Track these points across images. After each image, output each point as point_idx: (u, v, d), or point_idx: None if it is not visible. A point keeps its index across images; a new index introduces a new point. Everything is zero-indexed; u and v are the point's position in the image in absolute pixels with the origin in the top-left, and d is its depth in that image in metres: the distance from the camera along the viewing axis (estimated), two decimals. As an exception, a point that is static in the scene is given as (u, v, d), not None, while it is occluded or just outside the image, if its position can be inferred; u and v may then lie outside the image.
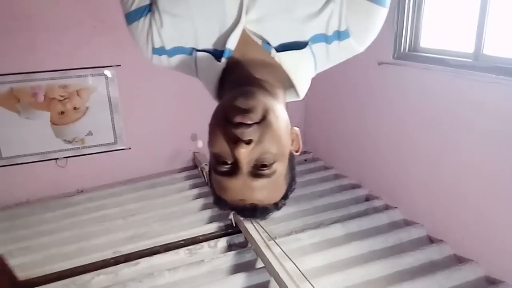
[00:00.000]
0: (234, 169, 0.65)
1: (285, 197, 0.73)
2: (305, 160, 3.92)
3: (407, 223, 2.85)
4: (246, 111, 0.63)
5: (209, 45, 0.77)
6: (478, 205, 2.39)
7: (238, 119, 0.62)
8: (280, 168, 0.68)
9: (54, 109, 3.37)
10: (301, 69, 0.77)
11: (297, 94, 0.81)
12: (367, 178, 3.30)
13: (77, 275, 2.35)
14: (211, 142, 0.67)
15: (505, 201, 2.23)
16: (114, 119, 3.55)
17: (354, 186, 3.35)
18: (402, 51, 2.85)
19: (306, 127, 4.08)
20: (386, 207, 3.05)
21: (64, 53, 3.27)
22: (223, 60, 0.75)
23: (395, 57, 2.87)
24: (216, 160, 0.67)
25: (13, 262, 2.44)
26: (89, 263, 2.46)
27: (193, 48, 0.78)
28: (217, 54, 0.76)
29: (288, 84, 0.78)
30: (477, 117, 2.33)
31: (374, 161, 3.21)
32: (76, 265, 2.44)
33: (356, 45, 0.75)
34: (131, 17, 0.79)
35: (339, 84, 3.44)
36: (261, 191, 0.66)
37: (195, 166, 3.82)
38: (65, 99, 3.38)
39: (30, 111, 3.31)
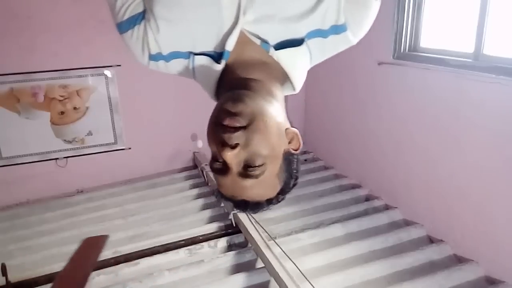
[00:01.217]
0: (225, 168, 0.69)
1: (282, 193, 0.75)
2: (305, 160, 3.92)
3: (407, 223, 2.86)
4: (234, 114, 0.66)
5: (206, 48, 0.78)
6: (478, 205, 2.39)
7: (226, 121, 0.66)
8: (271, 168, 0.70)
9: (54, 109, 3.37)
10: (298, 65, 0.79)
11: (293, 88, 0.83)
12: (367, 178, 3.30)
13: (77, 275, 2.35)
14: (208, 142, 0.71)
15: (505, 201, 2.23)
16: (114, 119, 3.55)
17: (354, 186, 3.35)
18: (402, 51, 2.85)
19: (306, 127, 4.08)
20: (386, 207, 3.05)
21: (64, 53, 3.27)
22: (223, 62, 0.76)
23: (395, 57, 2.87)
24: (212, 157, 0.71)
25: (13, 262, 2.45)
26: (89, 263, 2.46)
27: (190, 52, 0.79)
28: (215, 56, 0.77)
29: (284, 79, 0.80)
30: (477, 117, 2.33)
31: (374, 161, 3.21)
32: (76, 265, 2.44)
33: (352, 38, 0.77)
34: (125, 26, 0.80)
35: (339, 84, 3.44)
36: (250, 190, 0.70)
37: (195, 166, 3.82)
38: (65, 99, 3.38)
39: (30, 111, 3.31)
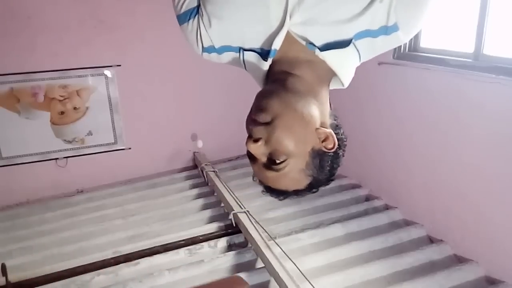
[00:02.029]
0: (253, 157, 0.75)
1: (312, 187, 0.78)
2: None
3: (407, 223, 2.86)
4: (259, 110, 0.72)
5: (255, 45, 0.82)
6: (478, 205, 2.39)
7: (253, 116, 0.73)
8: (294, 164, 0.73)
9: (54, 109, 3.37)
10: (346, 63, 0.80)
11: (342, 84, 0.84)
12: (367, 178, 3.30)
13: (77, 275, 2.35)
14: None
15: (505, 201, 2.23)
16: (114, 119, 3.55)
17: (354, 186, 3.35)
18: (402, 51, 2.85)
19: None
20: (386, 207, 3.05)
21: (64, 53, 3.27)
22: (269, 60, 0.79)
23: (395, 57, 2.87)
24: None
25: (13, 262, 2.45)
26: (89, 263, 2.46)
27: (240, 48, 0.83)
28: (263, 53, 0.81)
29: (331, 75, 0.81)
30: (477, 117, 2.33)
31: (374, 161, 3.21)
32: (76, 265, 2.44)
33: (403, 37, 0.76)
34: (181, 18, 0.86)
35: (339, 84, 3.43)
36: (272, 181, 0.76)
37: (195, 166, 3.82)
38: (65, 99, 3.38)
39: (30, 111, 3.31)
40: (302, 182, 0.77)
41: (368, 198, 3.20)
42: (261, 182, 0.79)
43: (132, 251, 2.56)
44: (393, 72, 2.89)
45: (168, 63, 3.53)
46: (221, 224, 2.80)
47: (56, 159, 3.46)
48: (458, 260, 2.48)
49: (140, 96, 3.57)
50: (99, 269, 2.39)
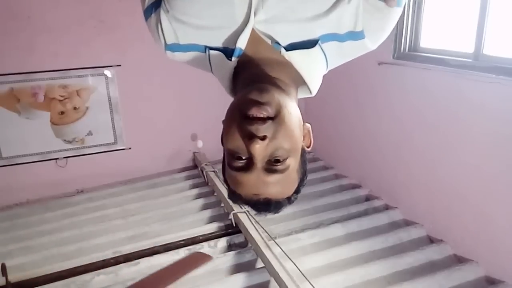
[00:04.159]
0: (249, 164, 0.66)
1: (297, 191, 0.74)
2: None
3: (407, 223, 2.86)
4: (262, 104, 0.64)
5: (221, 44, 0.78)
6: (478, 205, 2.39)
7: (253, 111, 0.64)
8: (293, 163, 0.69)
9: (54, 109, 3.37)
10: (312, 67, 0.78)
11: (310, 91, 0.82)
12: (367, 178, 3.30)
13: (77, 275, 2.35)
14: (226, 138, 0.68)
15: (505, 201, 2.23)
16: (114, 119, 3.55)
17: (354, 186, 3.35)
18: (402, 51, 2.85)
19: (306, 127, 4.07)
20: (386, 207, 3.05)
21: (64, 53, 3.27)
22: (234, 59, 0.76)
23: (395, 57, 2.87)
24: (231, 155, 0.68)
25: (13, 262, 2.45)
26: (89, 263, 2.46)
27: (206, 46, 0.79)
28: (228, 52, 0.77)
29: (300, 81, 0.79)
30: (477, 117, 2.33)
31: (374, 161, 3.21)
32: (76, 265, 2.44)
33: (370, 44, 0.76)
34: (145, 14, 0.82)
35: (339, 84, 3.43)
36: (275, 186, 0.68)
37: (195, 166, 3.82)
38: (65, 99, 3.38)
39: (30, 111, 3.31)
40: (295, 184, 0.73)
41: (368, 198, 3.20)
42: (254, 196, 0.69)
43: (132, 251, 2.56)
44: (393, 72, 2.89)
45: (168, 63, 3.51)
46: (221, 224, 2.80)
47: (56, 159, 3.46)
48: (458, 260, 2.48)
49: (140, 96, 3.57)
50: (99, 269, 2.39)
